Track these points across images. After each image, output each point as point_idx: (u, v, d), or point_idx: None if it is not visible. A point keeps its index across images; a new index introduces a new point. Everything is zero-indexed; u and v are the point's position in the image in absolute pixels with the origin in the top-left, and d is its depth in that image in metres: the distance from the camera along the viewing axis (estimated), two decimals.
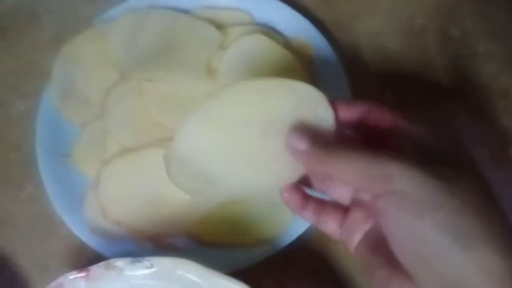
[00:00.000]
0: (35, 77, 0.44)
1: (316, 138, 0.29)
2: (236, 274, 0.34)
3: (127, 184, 0.39)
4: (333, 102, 0.31)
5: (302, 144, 0.29)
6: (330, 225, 0.31)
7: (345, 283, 0.39)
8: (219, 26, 0.43)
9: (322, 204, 0.32)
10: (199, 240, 0.39)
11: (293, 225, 0.39)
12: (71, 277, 0.33)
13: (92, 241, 0.38)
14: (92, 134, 0.41)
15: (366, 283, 0.39)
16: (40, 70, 0.44)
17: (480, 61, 0.43)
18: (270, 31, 0.44)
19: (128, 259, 0.33)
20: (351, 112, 0.31)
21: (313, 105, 0.30)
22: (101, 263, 0.33)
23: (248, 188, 0.32)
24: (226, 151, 0.31)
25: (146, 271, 0.33)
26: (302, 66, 0.42)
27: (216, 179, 0.31)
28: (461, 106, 0.42)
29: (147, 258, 0.33)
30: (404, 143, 0.28)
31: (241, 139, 0.31)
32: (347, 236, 0.30)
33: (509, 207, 0.41)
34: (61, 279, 0.33)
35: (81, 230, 0.39)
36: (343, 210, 0.32)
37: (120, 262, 0.33)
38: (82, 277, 0.33)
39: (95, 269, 0.33)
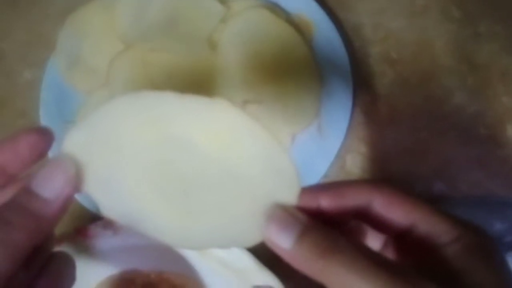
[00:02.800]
0: (43, 47, 0.46)
1: (305, 229, 0.21)
2: None
3: None
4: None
5: (284, 242, 0.21)
6: None
7: None
8: (223, 0, 0.44)
9: None
10: None
11: None
12: (69, 234, 0.34)
13: (90, 204, 0.39)
14: (97, 101, 0.42)
15: None
16: (48, 41, 0.45)
17: (481, 41, 0.44)
18: (272, 6, 0.44)
19: None
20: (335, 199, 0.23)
21: (277, 173, 0.22)
22: (99, 222, 0.34)
23: (178, 235, 0.23)
24: (154, 173, 0.23)
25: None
26: (304, 42, 0.43)
27: (141, 210, 0.23)
28: (460, 85, 0.43)
29: None
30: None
31: (176, 166, 0.23)
32: None
33: (505, 185, 0.41)
34: (59, 238, 0.35)
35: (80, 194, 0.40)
36: None
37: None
38: (80, 234, 0.34)
39: (93, 228, 0.34)
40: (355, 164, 0.42)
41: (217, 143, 0.22)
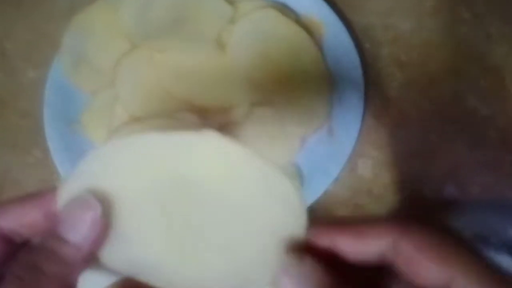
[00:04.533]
0: (47, 47, 0.45)
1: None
2: None
3: None
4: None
5: None
6: None
7: None
8: (231, 0, 0.43)
9: None
10: None
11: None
12: None
13: None
14: (102, 101, 0.41)
15: None
16: (53, 40, 0.44)
17: (492, 43, 0.43)
18: (281, 7, 0.44)
19: None
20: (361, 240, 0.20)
21: (283, 205, 0.21)
22: None
23: (188, 281, 0.22)
24: (156, 219, 0.22)
25: None
26: (313, 44, 0.42)
27: (146, 259, 0.22)
28: (471, 87, 0.42)
29: None
30: None
31: (177, 209, 0.22)
32: None
33: None
34: None
35: None
36: None
37: None
38: None
39: None
40: (366, 168, 0.41)
41: (215, 179, 0.21)
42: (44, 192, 0.24)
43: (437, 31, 0.44)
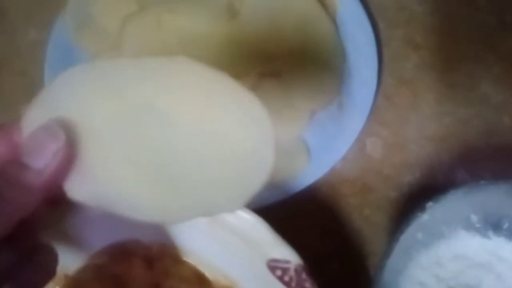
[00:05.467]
0: (50, 8, 0.43)
1: None
2: None
3: None
4: None
5: None
6: None
7: (353, 239, 0.37)
8: None
9: None
10: None
11: (305, 173, 0.37)
12: None
13: None
14: None
15: (376, 240, 0.37)
16: (56, 1, 0.43)
17: (506, 30, 0.42)
18: None
19: None
20: None
21: (254, 131, 0.21)
22: None
23: (157, 210, 0.22)
24: (124, 147, 0.21)
25: None
26: (327, 17, 0.41)
27: (112, 189, 0.21)
28: (485, 73, 0.41)
29: None
30: None
31: (146, 136, 0.21)
32: None
33: None
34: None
35: None
36: None
37: None
38: None
39: None
40: (375, 148, 0.39)
41: (185, 105, 0.20)
42: (7, 123, 0.23)
43: (452, 15, 0.43)
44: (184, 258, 0.34)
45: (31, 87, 0.41)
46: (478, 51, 0.42)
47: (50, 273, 0.24)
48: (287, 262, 0.30)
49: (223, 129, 0.20)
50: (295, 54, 0.40)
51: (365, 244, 0.37)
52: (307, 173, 0.37)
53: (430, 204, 0.32)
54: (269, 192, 0.36)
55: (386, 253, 0.31)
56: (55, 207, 0.31)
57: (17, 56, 0.43)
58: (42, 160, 0.21)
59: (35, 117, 0.21)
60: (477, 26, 0.42)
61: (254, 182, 0.21)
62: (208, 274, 0.34)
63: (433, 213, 0.32)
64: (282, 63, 0.39)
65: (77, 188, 0.21)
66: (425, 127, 0.40)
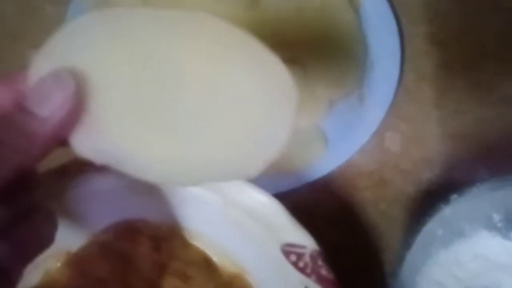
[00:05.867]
0: None
1: None
2: None
3: None
4: None
5: None
6: None
7: (368, 232, 0.36)
8: None
9: None
10: None
11: (321, 163, 0.36)
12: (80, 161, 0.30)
13: None
14: None
15: (391, 235, 0.36)
16: None
17: None
18: None
19: None
20: None
21: (273, 86, 0.20)
22: None
23: (169, 170, 0.20)
24: (135, 102, 0.20)
25: None
26: (350, 6, 0.40)
27: (122, 146, 0.20)
28: (508, 73, 0.40)
29: None
30: None
31: (160, 91, 0.20)
32: None
33: None
34: (67, 163, 0.30)
35: None
36: None
37: None
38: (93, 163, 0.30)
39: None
40: (394, 142, 0.38)
41: (204, 61, 0.19)
42: (13, 73, 0.21)
43: (478, 15, 0.42)
44: (193, 241, 0.32)
45: None
46: (501, 51, 0.41)
47: (47, 237, 0.23)
48: (303, 247, 0.28)
49: (241, 86, 0.19)
50: (317, 42, 0.39)
51: (380, 239, 0.36)
52: (324, 163, 0.36)
53: (454, 196, 0.31)
54: (283, 179, 0.35)
55: (406, 244, 0.30)
56: (59, 178, 0.30)
57: (34, 32, 0.42)
58: (48, 108, 0.19)
59: (42, 65, 0.20)
60: (501, 26, 0.42)
61: (273, 145, 0.20)
62: (217, 259, 0.32)
63: (456, 207, 0.31)
64: (303, 51, 0.39)
65: (83, 142, 0.20)
66: (446, 124, 0.39)
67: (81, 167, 0.30)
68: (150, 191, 0.31)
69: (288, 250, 0.28)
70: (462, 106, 0.39)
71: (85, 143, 0.20)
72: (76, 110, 0.20)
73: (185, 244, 0.32)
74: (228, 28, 0.19)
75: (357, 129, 0.37)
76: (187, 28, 0.19)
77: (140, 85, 0.20)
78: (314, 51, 0.39)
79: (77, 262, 0.31)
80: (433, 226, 0.32)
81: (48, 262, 0.31)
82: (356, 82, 0.38)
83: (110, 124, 0.20)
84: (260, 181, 0.33)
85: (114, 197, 0.31)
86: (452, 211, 0.31)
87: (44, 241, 0.23)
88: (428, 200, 0.37)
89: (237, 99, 0.19)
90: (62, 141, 0.21)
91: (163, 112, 0.20)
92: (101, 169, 0.30)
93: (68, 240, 0.31)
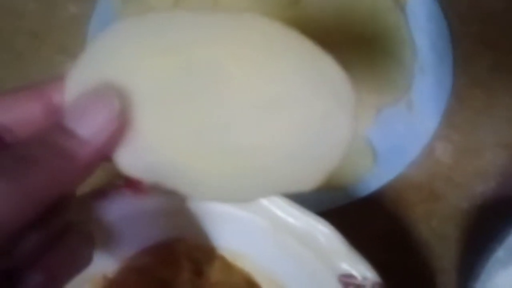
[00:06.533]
0: None
1: None
2: None
3: None
4: None
5: None
6: None
7: (419, 250, 0.34)
8: None
9: None
10: None
11: (370, 177, 0.34)
12: (116, 184, 0.28)
13: None
14: None
15: (444, 254, 0.33)
16: None
17: None
18: None
19: None
20: None
21: (331, 97, 0.18)
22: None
23: (220, 186, 0.19)
24: (180, 112, 0.18)
25: None
26: (396, 7, 0.37)
27: (168, 161, 0.19)
28: None
29: None
30: None
31: (206, 99, 0.18)
32: None
33: None
34: (104, 186, 0.28)
35: None
36: None
37: None
38: (129, 187, 0.28)
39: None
40: (445, 153, 0.36)
41: (253, 65, 0.18)
42: (44, 82, 0.19)
43: None
44: (236, 262, 0.30)
45: (70, 63, 0.38)
46: None
47: (84, 258, 0.21)
48: (364, 278, 0.26)
49: (294, 92, 0.18)
50: (362, 45, 0.36)
51: (433, 259, 0.33)
52: (372, 178, 0.33)
53: None
54: (330, 196, 0.33)
55: (472, 274, 0.28)
56: (95, 200, 0.28)
57: (55, 31, 0.40)
58: (90, 128, 0.18)
59: (79, 78, 0.19)
60: None
61: (329, 154, 0.18)
62: (262, 283, 0.30)
63: None
64: (346, 54, 0.35)
65: (129, 160, 0.19)
66: (501, 133, 0.36)
67: (117, 189, 0.28)
68: (187, 212, 0.29)
69: (346, 281, 0.26)
70: None
71: (131, 161, 0.19)
72: (121, 129, 0.18)
73: (227, 266, 0.30)
74: (278, 28, 0.18)
75: (407, 140, 0.34)
76: (233, 31, 0.18)
77: (185, 94, 0.18)
78: (358, 54, 0.36)
79: None
80: (496, 248, 0.30)
81: (84, 287, 0.29)
82: (404, 87, 0.36)
83: (156, 137, 0.18)
84: (304, 198, 0.31)
85: (150, 219, 0.29)
86: None
87: (81, 262, 0.21)
88: (483, 216, 0.34)
89: (290, 106, 0.18)
90: (104, 159, 0.19)
91: (211, 123, 0.18)
92: (137, 191, 0.28)
93: (104, 263, 0.29)
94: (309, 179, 0.18)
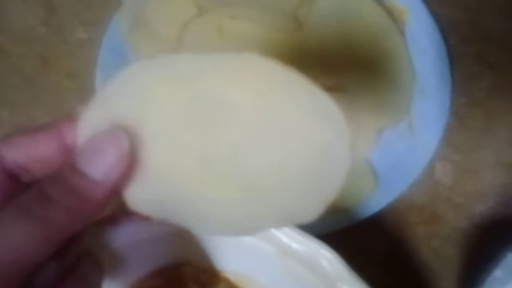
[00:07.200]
0: (101, 6, 0.41)
1: None
2: None
3: None
4: None
5: None
6: None
7: (420, 271, 0.34)
8: None
9: None
10: None
11: (372, 199, 0.34)
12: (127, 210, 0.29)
13: None
14: None
15: (445, 275, 0.34)
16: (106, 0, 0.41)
17: None
18: None
19: None
20: None
21: (326, 119, 0.19)
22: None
23: (229, 218, 0.20)
24: (189, 144, 0.19)
25: None
26: (397, 30, 0.38)
27: (177, 194, 0.20)
28: None
29: None
30: None
31: (214, 131, 0.19)
32: None
33: None
34: (115, 212, 0.29)
35: None
36: None
37: None
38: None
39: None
40: (445, 173, 0.36)
41: (254, 98, 0.19)
42: (57, 122, 0.21)
43: None
44: (242, 286, 0.31)
45: (78, 88, 0.39)
46: None
47: (94, 285, 0.23)
48: None
49: (295, 124, 0.19)
50: (363, 68, 0.37)
51: (434, 279, 0.34)
52: (374, 199, 0.34)
53: None
54: (332, 219, 0.34)
55: None
56: (105, 227, 0.29)
57: (64, 56, 0.41)
58: (101, 169, 0.19)
59: (90, 120, 0.20)
60: None
61: (332, 182, 0.19)
62: None
63: None
64: (348, 77, 0.37)
65: (138, 195, 0.20)
66: (501, 152, 0.37)
67: (127, 215, 0.29)
68: (194, 236, 0.30)
69: None
70: None
71: (140, 196, 0.20)
72: (131, 166, 0.19)
73: None
74: (274, 66, 0.19)
75: (408, 161, 0.35)
76: (236, 69, 0.19)
77: (192, 123, 0.19)
78: (359, 77, 0.37)
79: None
80: (492, 269, 0.30)
81: None
82: (404, 109, 0.36)
83: (165, 168, 0.19)
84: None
85: (158, 243, 0.30)
86: None
87: None
88: (482, 235, 0.35)
89: (291, 138, 0.19)
90: (116, 195, 0.20)
91: (218, 151, 0.19)
92: (146, 216, 0.29)
93: (112, 287, 0.30)
94: (311, 209, 0.19)
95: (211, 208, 0.19)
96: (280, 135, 0.19)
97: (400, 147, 0.36)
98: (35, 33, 0.42)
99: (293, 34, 0.37)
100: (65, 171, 0.19)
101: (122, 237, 0.29)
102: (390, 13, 0.39)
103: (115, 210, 0.29)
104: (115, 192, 0.20)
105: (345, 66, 0.37)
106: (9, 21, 0.42)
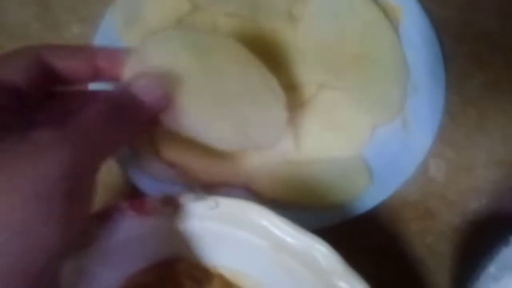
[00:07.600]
0: (96, 2, 0.41)
1: None
2: None
3: None
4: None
5: None
6: None
7: (414, 266, 0.34)
8: None
9: None
10: (258, 195, 0.35)
11: (366, 196, 0.34)
12: (121, 206, 0.29)
13: (141, 182, 0.34)
14: None
15: (439, 270, 0.34)
16: None
17: None
18: None
19: (190, 195, 0.29)
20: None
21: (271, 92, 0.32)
22: (159, 196, 0.29)
23: (227, 138, 0.30)
24: (204, 91, 0.29)
25: (209, 212, 0.29)
26: (391, 28, 0.38)
27: (196, 121, 0.29)
28: None
29: (213, 197, 0.29)
30: None
31: (218, 84, 0.30)
32: None
33: None
34: (108, 207, 0.29)
35: (131, 168, 0.35)
36: None
37: (180, 198, 0.29)
38: (133, 208, 0.29)
39: (150, 201, 0.29)
40: (439, 170, 0.37)
41: (236, 67, 0.30)
42: (93, 48, 0.33)
43: None
44: (236, 281, 0.31)
45: None
46: None
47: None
48: None
49: (256, 86, 0.31)
50: (357, 65, 0.37)
51: (427, 275, 0.34)
52: (368, 196, 0.34)
53: None
54: (326, 214, 0.34)
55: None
56: (97, 222, 0.29)
57: None
58: (150, 100, 0.26)
59: (133, 65, 0.28)
60: None
61: (276, 127, 0.32)
62: None
63: None
64: (343, 74, 0.37)
65: (171, 120, 0.28)
66: (493, 150, 0.37)
67: (121, 211, 0.29)
68: (188, 232, 0.30)
69: None
70: (510, 130, 0.37)
71: (172, 121, 0.28)
72: (168, 101, 0.27)
73: (227, 285, 0.31)
74: (242, 49, 0.31)
75: (402, 159, 0.35)
76: (225, 47, 0.31)
77: (204, 80, 0.29)
78: (354, 74, 0.37)
79: None
80: (487, 264, 0.30)
81: None
82: (398, 106, 0.36)
83: (190, 107, 0.28)
84: (301, 217, 0.32)
85: (152, 239, 0.30)
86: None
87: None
88: (475, 232, 0.35)
89: (255, 91, 0.31)
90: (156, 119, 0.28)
91: (219, 97, 0.29)
92: (140, 212, 0.29)
93: (106, 282, 0.30)
94: (274, 136, 0.32)
95: (219, 131, 0.29)
96: (250, 90, 0.31)
97: (394, 144, 0.36)
98: (30, 29, 0.42)
99: (288, 31, 0.37)
100: (128, 94, 0.26)
101: (116, 232, 0.29)
102: (384, 11, 0.39)
103: (108, 206, 0.29)
104: (157, 117, 0.28)
105: (339, 63, 0.37)
106: (4, 17, 0.42)
